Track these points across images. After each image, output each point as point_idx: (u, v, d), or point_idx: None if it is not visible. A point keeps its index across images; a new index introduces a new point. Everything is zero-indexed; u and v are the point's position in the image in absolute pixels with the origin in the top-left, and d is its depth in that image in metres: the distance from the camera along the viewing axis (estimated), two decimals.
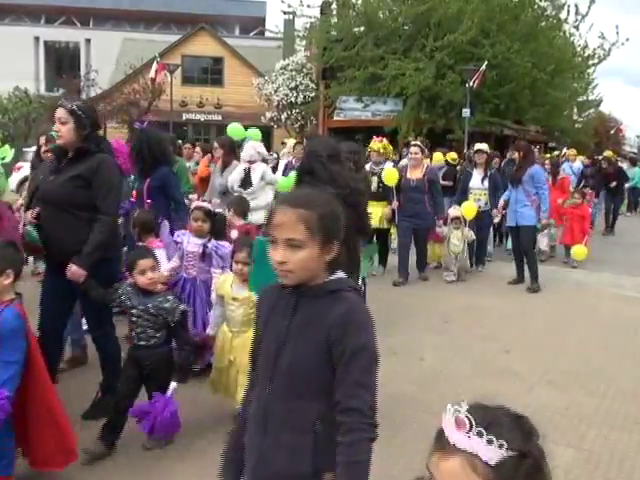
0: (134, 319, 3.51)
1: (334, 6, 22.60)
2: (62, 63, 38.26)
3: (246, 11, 40.91)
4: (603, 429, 3.94)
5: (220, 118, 29.48)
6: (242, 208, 5.28)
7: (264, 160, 6.89)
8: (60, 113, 3.66)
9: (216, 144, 7.38)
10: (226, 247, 4.51)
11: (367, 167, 8.19)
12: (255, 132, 7.98)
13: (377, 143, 8.33)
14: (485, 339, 5.72)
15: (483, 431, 1.12)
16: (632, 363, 5.23)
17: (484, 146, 9.08)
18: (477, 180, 8.66)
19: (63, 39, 39.44)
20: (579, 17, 21.42)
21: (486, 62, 17.84)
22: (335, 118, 23.52)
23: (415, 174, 7.84)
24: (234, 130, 8.17)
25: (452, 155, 11.48)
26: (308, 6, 22.37)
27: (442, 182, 10.71)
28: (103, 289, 3.63)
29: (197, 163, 9.09)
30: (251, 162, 6.53)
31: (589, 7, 21.28)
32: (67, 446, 3.06)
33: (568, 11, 21.42)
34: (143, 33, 37.30)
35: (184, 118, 28.84)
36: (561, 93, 21.04)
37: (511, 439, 1.13)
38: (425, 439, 3.88)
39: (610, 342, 5.75)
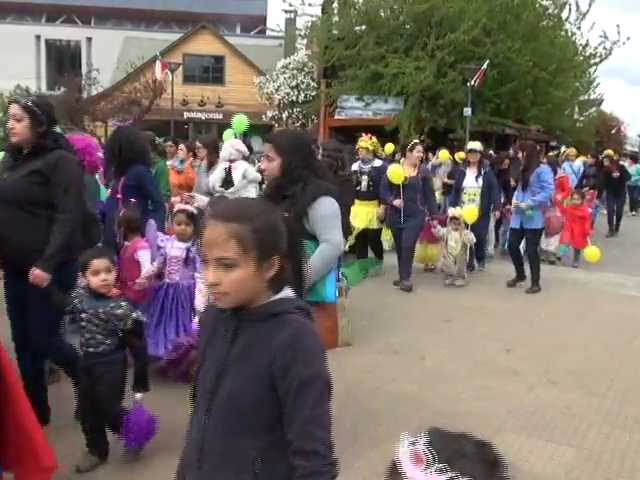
0: (83, 324, 3.27)
1: (335, 5, 22.57)
2: (63, 62, 38.23)
3: (247, 10, 40.86)
4: (604, 428, 3.94)
5: (221, 117, 29.46)
6: None
7: (245, 158, 6.72)
8: (14, 110, 3.49)
9: (199, 144, 7.23)
10: None
11: (355, 166, 8.08)
12: (240, 119, 7.56)
13: (366, 141, 8.12)
14: (486, 338, 5.72)
15: (444, 468, 1.00)
16: (633, 363, 5.24)
17: (477, 145, 8.81)
18: (471, 179, 8.43)
19: (64, 37, 39.40)
20: (580, 15, 21.39)
21: (487, 61, 17.81)
22: (336, 117, 23.50)
23: (409, 172, 7.64)
24: (240, 122, 7.85)
25: (461, 154, 11.41)
26: (309, 5, 22.36)
27: (447, 180, 10.75)
28: (62, 294, 3.37)
29: (182, 161, 8.80)
30: (231, 161, 6.38)
31: (590, 5, 21.25)
32: (44, 464, 2.84)
33: (569, 9, 21.39)
34: (144, 32, 37.28)
35: (185, 117, 28.84)
36: (562, 92, 21.00)
37: (476, 474, 1.01)
38: None
39: (611, 341, 5.75)
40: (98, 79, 26.74)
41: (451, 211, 7.97)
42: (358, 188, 7.92)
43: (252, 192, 6.39)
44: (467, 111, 17.60)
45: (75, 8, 40.34)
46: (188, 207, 4.74)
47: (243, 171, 6.31)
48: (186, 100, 28.71)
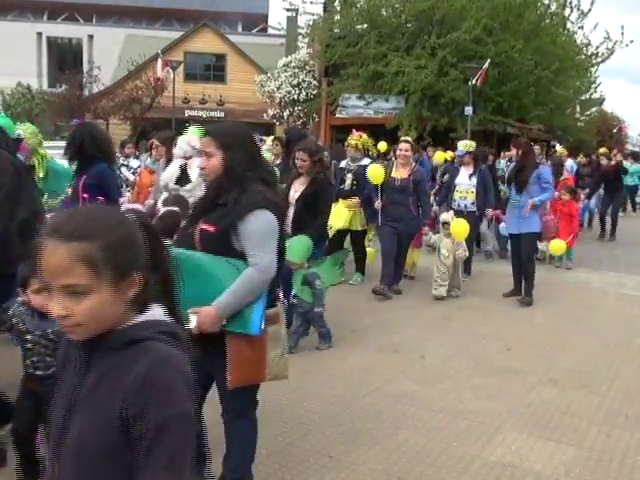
0: (29, 346, 2.89)
1: (337, 3, 22.57)
2: (65, 59, 38.20)
3: (249, 8, 40.84)
4: (604, 428, 3.94)
5: (222, 115, 29.46)
6: (182, 207, 4.88)
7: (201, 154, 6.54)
8: None
9: (156, 141, 7.01)
10: None
11: (343, 164, 7.79)
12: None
13: (355, 138, 7.72)
14: (486, 337, 5.73)
15: None
16: (634, 362, 5.24)
17: (467, 145, 8.23)
18: (464, 177, 8.01)
19: (66, 35, 39.37)
20: (581, 15, 21.38)
21: (489, 60, 17.80)
22: (337, 115, 23.50)
23: (401, 173, 7.09)
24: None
25: (452, 154, 11.25)
26: (311, 3, 22.37)
27: (440, 180, 10.62)
28: None
29: (156, 161, 8.49)
30: (187, 158, 6.04)
31: (592, 4, 21.25)
32: None
33: (571, 8, 21.38)
34: (146, 29, 37.25)
35: (186, 115, 28.80)
36: (564, 91, 21.01)
37: None
38: (426, 437, 3.91)
39: (612, 341, 5.75)
40: (99, 77, 26.76)
41: (444, 216, 7.35)
42: (342, 186, 7.56)
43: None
44: (468, 110, 17.59)
45: (77, 5, 40.33)
46: (137, 206, 4.63)
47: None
48: (187, 98, 28.71)
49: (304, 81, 24.79)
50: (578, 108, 25.75)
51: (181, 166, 6.02)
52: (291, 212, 5.32)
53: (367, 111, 22.36)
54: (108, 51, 31.78)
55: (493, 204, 8.18)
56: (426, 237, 7.34)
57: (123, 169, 9.21)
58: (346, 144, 7.85)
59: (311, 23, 22.97)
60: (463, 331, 5.91)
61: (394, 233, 7.05)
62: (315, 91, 24.46)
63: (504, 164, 12.46)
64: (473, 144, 8.30)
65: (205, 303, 2.57)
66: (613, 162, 12.88)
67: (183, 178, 5.94)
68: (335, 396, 4.30)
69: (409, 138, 7.55)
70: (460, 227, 7.13)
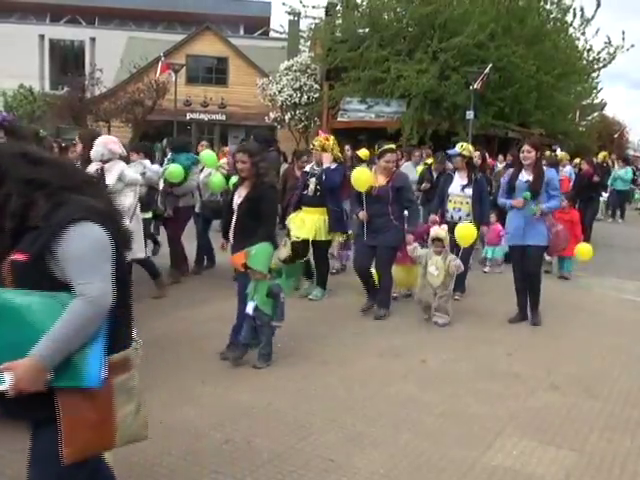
0: None
1: (339, 7, 22.62)
2: (67, 61, 38.23)
3: (251, 11, 40.90)
4: (605, 432, 3.94)
5: (224, 118, 29.50)
6: None
7: (123, 158, 5.98)
8: None
9: (77, 138, 6.88)
10: None
11: (307, 167, 7.31)
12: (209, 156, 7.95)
13: (320, 140, 7.03)
14: (487, 342, 5.73)
15: None
16: (635, 366, 5.24)
17: (456, 149, 7.39)
18: (457, 186, 7.19)
19: (68, 37, 39.41)
20: (584, 21, 21.41)
21: (490, 65, 17.84)
22: (339, 119, 23.52)
23: (379, 180, 6.40)
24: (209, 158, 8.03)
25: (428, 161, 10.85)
26: (313, 7, 22.43)
27: (422, 186, 9.91)
28: None
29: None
30: (104, 161, 5.66)
31: (595, 11, 21.27)
32: None
33: (574, 14, 21.41)
34: (148, 32, 37.32)
35: (188, 117, 28.85)
36: (566, 97, 21.04)
37: None
38: (427, 441, 3.91)
39: (613, 345, 5.75)
40: (101, 79, 26.79)
41: (434, 231, 6.38)
42: (305, 192, 6.98)
43: (130, 197, 5.73)
44: (470, 114, 17.62)
45: (79, 8, 40.40)
46: None
47: (119, 173, 5.60)
48: (189, 101, 28.74)
49: (305, 84, 24.84)
50: (578, 114, 25.75)
51: (97, 171, 5.59)
52: (234, 219, 5.11)
53: (368, 115, 22.40)
54: (110, 54, 31.81)
55: (489, 219, 7.60)
56: (410, 248, 6.35)
57: None
58: (310, 146, 7.25)
59: (313, 27, 23.02)
60: (464, 336, 5.91)
61: (369, 247, 6.39)
62: (316, 94, 24.50)
63: (501, 168, 12.35)
64: (470, 148, 7.50)
65: (22, 354, 1.99)
66: (596, 178, 12.04)
67: None
68: (336, 399, 4.30)
69: (393, 146, 6.70)
70: (466, 231, 6.49)
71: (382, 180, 6.37)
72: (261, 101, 26.19)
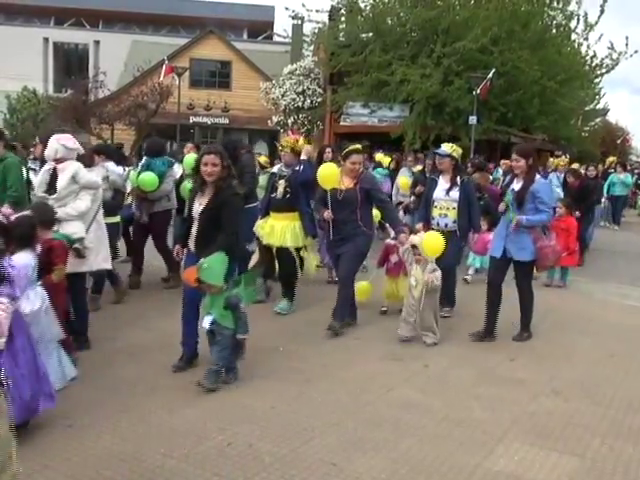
0: None
1: (342, 12, 22.67)
2: (71, 64, 38.40)
3: (254, 15, 41.01)
4: (607, 439, 3.93)
5: (227, 121, 29.58)
6: (43, 217, 4.43)
7: (80, 158, 5.51)
8: None
9: (37, 139, 6.69)
10: (20, 265, 3.77)
11: (275, 169, 6.92)
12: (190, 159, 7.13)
13: (288, 139, 6.63)
14: (489, 347, 5.72)
15: None
16: (637, 373, 5.23)
17: (446, 149, 6.77)
18: (442, 189, 6.64)
19: (72, 40, 39.57)
20: (588, 27, 21.43)
21: (494, 70, 17.86)
22: (342, 123, 23.56)
23: (345, 182, 5.96)
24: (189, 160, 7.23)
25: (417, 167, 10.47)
26: (317, 11, 22.48)
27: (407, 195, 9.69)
28: None
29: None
30: (58, 160, 5.15)
31: (599, 17, 21.29)
32: None
33: (578, 20, 21.44)
34: (152, 36, 37.44)
35: (191, 121, 28.92)
36: (569, 102, 21.04)
37: None
38: (429, 446, 3.91)
39: (615, 351, 5.75)
40: (105, 82, 26.86)
41: (413, 238, 5.84)
42: (273, 195, 6.53)
43: (86, 200, 5.27)
44: (472, 119, 17.64)
45: (83, 11, 40.53)
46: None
47: (72, 173, 5.10)
48: (192, 104, 28.81)
49: (309, 88, 24.88)
50: (580, 120, 25.78)
51: (49, 170, 5.25)
52: (194, 228, 4.77)
53: (371, 119, 22.44)
54: (114, 57, 31.91)
55: (478, 227, 6.87)
56: (402, 249, 5.90)
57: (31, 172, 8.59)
58: (279, 147, 6.79)
59: (316, 31, 23.08)
60: (466, 341, 5.90)
61: (339, 255, 6.03)
62: (320, 99, 24.55)
63: (501, 173, 12.22)
64: (459, 150, 6.90)
65: None
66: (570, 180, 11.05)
67: (52, 185, 5.13)
68: (338, 404, 4.30)
69: (359, 146, 6.17)
70: (431, 241, 5.75)
71: (349, 182, 5.95)
72: (264, 105, 26.24)
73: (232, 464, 3.43)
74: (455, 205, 6.55)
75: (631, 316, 7.17)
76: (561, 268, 8.37)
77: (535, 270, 6.10)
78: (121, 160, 7.85)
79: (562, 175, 12.11)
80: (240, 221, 4.89)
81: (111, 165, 6.72)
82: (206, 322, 4.51)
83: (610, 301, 7.90)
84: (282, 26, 34.21)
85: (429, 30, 20.18)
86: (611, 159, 15.68)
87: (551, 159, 15.68)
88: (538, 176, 5.84)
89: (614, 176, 16.27)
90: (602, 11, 21.05)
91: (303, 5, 22.20)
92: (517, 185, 5.77)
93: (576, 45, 22.33)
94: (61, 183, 5.03)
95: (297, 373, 4.85)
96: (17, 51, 34.18)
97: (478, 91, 17.37)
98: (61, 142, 5.10)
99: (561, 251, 6.15)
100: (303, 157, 6.56)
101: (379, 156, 14.08)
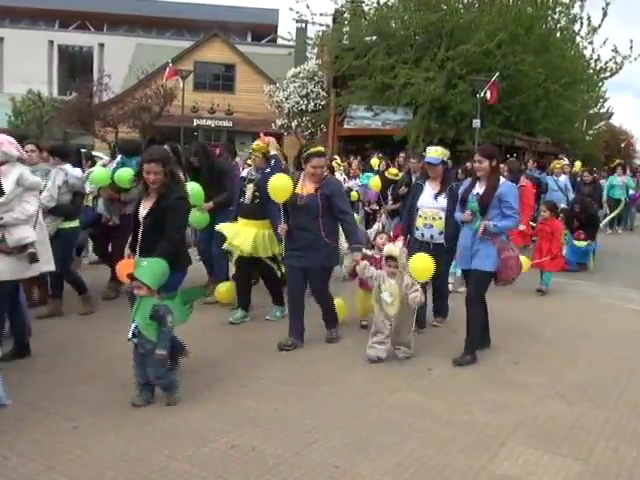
0: None
1: (346, 15, 22.73)
2: (75, 67, 38.56)
3: (258, 19, 41.15)
4: (611, 442, 3.92)
5: (231, 124, 29.65)
6: None
7: (21, 160, 5.20)
8: None
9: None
10: None
11: (245, 172, 6.54)
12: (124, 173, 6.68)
13: (259, 143, 6.27)
14: (493, 350, 5.71)
15: None
16: None
17: (437, 152, 6.10)
18: (428, 196, 6.03)
19: (77, 43, 39.76)
20: (591, 30, 21.45)
21: (497, 73, 17.87)
22: (345, 126, 23.62)
23: (306, 188, 5.45)
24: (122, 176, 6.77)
25: (392, 171, 10.18)
26: (321, 14, 22.55)
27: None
28: None
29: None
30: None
31: (602, 20, 21.31)
32: None
33: (581, 23, 21.45)
34: (156, 39, 37.59)
35: (195, 124, 29.01)
36: (573, 105, 21.05)
37: None
38: (433, 449, 3.90)
39: (619, 355, 5.73)
40: (109, 85, 26.97)
41: (388, 248, 5.30)
42: (241, 200, 6.22)
43: (32, 202, 5.01)
44: (476, 123, 17.65)
45: (88, 14, 40.72)
46: None
47: (17, 176, 4.88)
48: (196, 107, 28.90)
49: (312, 92, 24.94)
50: (585, 123, 25.78)
51: None
52: (140, 232, 4.62)
53: (375, 122, 22.47)
54: (118, 60, 32.05)
55: None
56: (359, 267, 5.36)
57: None
58: (249, 149, 6.40)
59: (320, 34, 23.14)
60: None
61: (300, 268, 5.51)
62: (323, 102, 24.61)
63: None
64: (447, 153, 6.25)
65: None
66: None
67: None
68: (341, 406, 4.30)
69: (322, 149, 5.72)
70: (421, 263, 5.24)
71: (310, 188, 5.44)
72: (268, 108, 26.31)
73: (235, 466, 3.43)
74: (442, 215, 5.92)
75: (635, 320, 7.15)
76: (544, 273, 8.16)
77: (494, 283, 5.39)
78: (81, 162, 7.60)
79: (559, 178, 12.05)
80: (185, 226, 4.79)
81: (68, 167, 6.24)
82: (130, 329, 4.13)
83: (614, 305, 7.88)
84: (286, 29, 34.32)
85: (433, 33, 20.23)
86: (618, 162, 15.44)
87: (554, 162, 15.62)
88: (503, 178, 5.40)
89: (613, 178, 15.61)
90: (605, 14, 21.09)
91: (307, 6, 22.21)
92: (480, 189, 5.29)
93: (580, 48, 22.36)
94: (7, 187, 4.76)
95: (300, 376, 4.86)
96: (22, 54, 34.35)
97: (487, 95, 17.34)
98: (2, 148, 4.79)
99: (521, 264, 5.41)
100: (273, 152, 6.25)
101: (374, 161, 14.07)
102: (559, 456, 3.72)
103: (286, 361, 5.16)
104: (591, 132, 27.64)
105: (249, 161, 7.45)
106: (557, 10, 21.27)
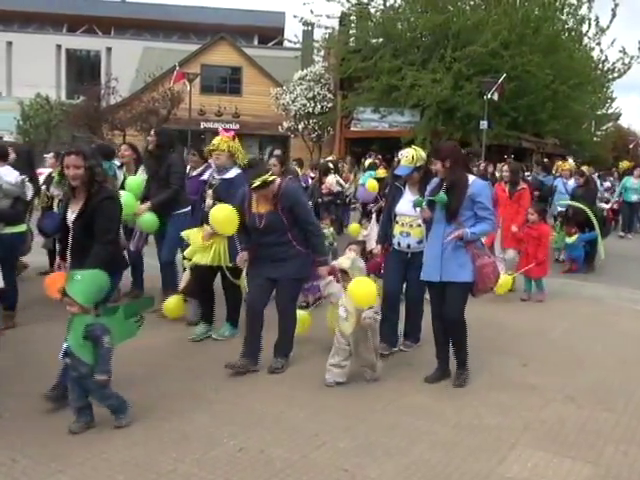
0: None
1: (353, 17, 22.75)
2: (83, 71, 38.74)
3: (265, 21, 41.21)
4: (621, 445, 3.90)
5: (238, 127, 29.65)
6: None
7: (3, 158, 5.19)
8: None
9: (51, 154, 6.44)
10: None
11: (206, 176, 5.83)
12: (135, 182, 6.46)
13: (219, 139, 5.47)
14: (501, 353, 5.69)
15: None
16: None
17: (407, 164, 5.24)
18: (407, 202, 5.24)
19: (84, 47, 39.96)
20: (599, 31, 21.39)
21: (504, 74, 17.84)
22: (352, 129, 23.64)
23: (262, 206, 4.83)
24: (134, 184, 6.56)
25: (380, 171, 10.05)
26: (327, 16, 22.59)
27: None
28: None
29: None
30: None
31: (610, 21, 21.24)
32: None
33: (589, 24, 21.39)
34: (163, 42, 37.71)
35: (202, 127, 29.08)
36: (581, 106, 21.00)
37: None
38: (441, 452, 3.89)
39: (629, 357, 5.70)
40: (117, 88, 27.09)
41: (340, 261, 4.90)
42: (202, 206, 5.59)
43: (3, 205, 4.94)
44: (483, 124, 17.63)
45: (95, 18, 40.92)
46: None
47: None
48: (203, 110, 28.97)
49: (319, 94, 24.97)
50: (593, 124, 25.69)
51: None
52: (70, 238, 4.23)
53: (382, 124, 22.48)
54: (126, 63, 32.17)
55: None
56: (323, 283, 5.00)
57: None
58: (211, 148, 5.58)
59: (327, 36, 23.17)
60: (478, 346, 5.85)
61: (267, 281, 4.95)
62: (330, 104, 24.62)
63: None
64: (422, 155, 5.30)
65: None
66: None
67: None
68: (349, 409, 4.29)
69: (279, 152, 5.10)
70: (361, 288, 4.54)
71: (267, 205, 4.83)
72: (275, 110, 26.35)
73: (243, 469, 3.43)
74: (421, 222, 5.08)
75: None
76: (533, 281, 7.83)
77: (472, 294, 4.80)
78: (32, 164, 7.07)
79: (568, 181, 11.70)
80: (117, 228, 4.36)
81: (3, 170, 5.80)
82: (62, 349, 3.72)
83: (623, 307, 7.83)
84: (293, 32, 34.36)
85: (439, 35, 20.23)
86: (626, 164, 15.13)
87: (559, 163, 15.47)
88: (473, 177, 4.72)
89: (628, 180, 14.86)
90: (614, 15, 21.02)
91: (311, 12, 22.31)
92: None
93: (588, 49, 22.31)
94: None
95: (308, 379, 4.85)
96: (30, 58, 34.55)
97: (489, 95, 17.31)
98: None
99: (498, 271, 4.88)
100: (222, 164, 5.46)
101: (368, 163, 14.05)
102: (568, 459, 3.70)
103: (293, 364, 5.15)
104: (599, 133, 27.54)
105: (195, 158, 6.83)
106: (564, 11, 21.22)
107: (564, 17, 21.35)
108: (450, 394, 4.66)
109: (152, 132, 6.80)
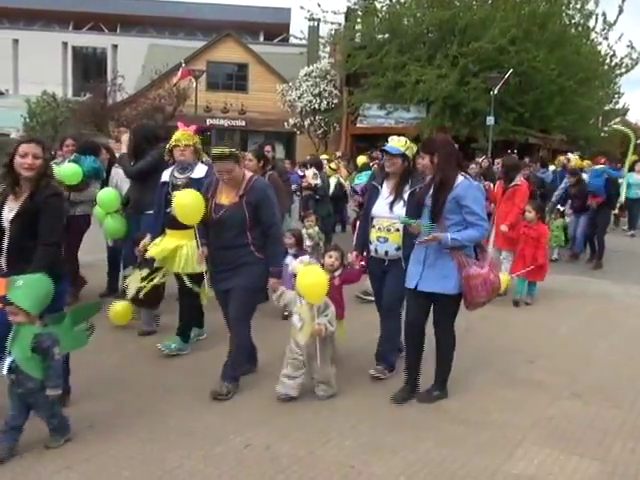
0: None
1: (359, 13, 22.72)
2: (89, 68, 38.83)
3: (271, 18, 41.18)
4: (629, 442, 3.89)
5: (244, 124, 29.70)
6: None
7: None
8: None
9: (69, 140, 6.37)
10: None
11: (166, 176, 5.15)
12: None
13: (181, 134, 5.04)
14: (508, 349, 5.68)
15: None
16: None
17: (398, 146, 4.64)
18: (383, 203, 4.68)
19: (91, 44, 40.04)
20: (607, 26, 21.27)
21: (511, 70, 17.77)
22: (358, 125, 23.61)
23: (227, 197, 4.39)
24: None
25: (362, 159, 10.34)
26: (333, 12, 22.55)
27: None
28: None
29: None
30: None
31: (617, 16, 21.13)
32: None
33: (596, 19, 21.29)
34: (169, 39, 37.75)
35: (208, 123, 29.09)
36: (588, 101, 20.90)
37: None
38: (448, 449, 3.88)
39: (636, 354, 5.68)
40: (123, 85, 27.13)
41: (291, 266, 4.76)
42: (168, 210, 4.85)
43: None
44: (490, 120, 17.56)
45: (101, 16, 40.97)
46: None
47: None
48: (209, 107, 28.98)
49: (325, 90, 24.94)
50: (600, 120, 25.58)
51: None
52: (5, 239, 3.73)
53: (388, 121, 22.44)
54: (132, 60, 32.22)
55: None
56: (275, 296, 4.46)
57: None
58: (174, 143, 5.02)
59: (333, 33, 23.14)
60: (485, 343, 5.87)
61: (225, 291, 4.50)
62: (336, 100, 24.61)
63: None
64: (413, 147, 4.71)
65: None
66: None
67: None
68: (355, 406, 4.29)
69: (226, 150, 4.27)
70: (310, 278, 4.25)
71: (232, 196, 4.38)
72: (281, 107, 26.34)
73: (250, 466, 3.44)
74: (400, 226, 4.57)
75: None
76: (528, 284, 7.42)
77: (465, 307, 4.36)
78: None
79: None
80: (61, 229, 3.87)
81: None
82: (4, 366, 3.35)
83: (630, 304, 7.80)
84: (298, 28, 34.29)
85: (446, 30, 20.17)
86: (633, 157, 14.92)
87: (560, 157, 15.35)
88: (461, 177, 4.18)
89: (630, 176, 14.54)
90: (621, 10, 20.90)
91: (318, 5, 22.26)
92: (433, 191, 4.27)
93: (595, 44, 22.22)
94: None
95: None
96: (36, 55, 34.65)
97: (495, 91, 17.26)
98: None
99: (496, 282, 4.30)
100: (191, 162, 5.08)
101: (360, 159, 13.96)
102: (575, 456, 3.69)
103: None
104: (606, 129, 27.43)
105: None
106: (571, 6, 21.13)
107: (571, 12, 21.27)
108: (457, 391, 4.65)
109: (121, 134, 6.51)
